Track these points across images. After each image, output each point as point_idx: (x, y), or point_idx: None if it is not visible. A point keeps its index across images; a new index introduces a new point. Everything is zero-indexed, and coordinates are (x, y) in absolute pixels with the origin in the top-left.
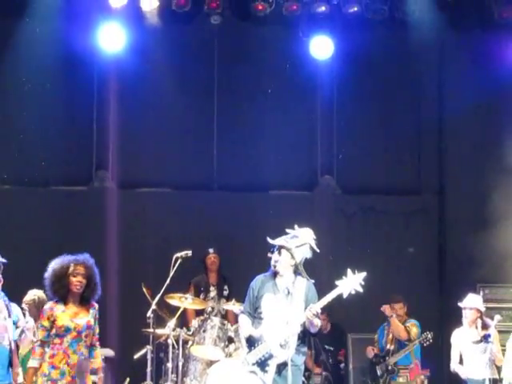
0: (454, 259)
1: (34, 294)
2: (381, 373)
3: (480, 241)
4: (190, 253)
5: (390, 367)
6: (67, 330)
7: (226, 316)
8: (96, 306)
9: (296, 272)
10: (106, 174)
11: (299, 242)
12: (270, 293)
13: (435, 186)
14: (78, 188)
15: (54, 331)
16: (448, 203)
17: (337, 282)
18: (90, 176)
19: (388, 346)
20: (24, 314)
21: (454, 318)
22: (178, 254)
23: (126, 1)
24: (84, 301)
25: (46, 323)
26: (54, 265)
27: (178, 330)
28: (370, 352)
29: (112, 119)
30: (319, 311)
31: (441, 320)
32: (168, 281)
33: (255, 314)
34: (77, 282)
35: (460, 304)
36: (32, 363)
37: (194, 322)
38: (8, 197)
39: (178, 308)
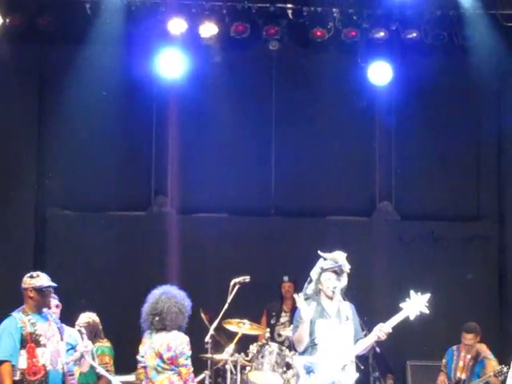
0: None
1: (87, 316)
2: None
3: None
4: (248, 278)
5: None
6: None
7: None
8: None
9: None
10: (165, 199)
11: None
12: (322, 318)
13: (495, 213)
14: (137, 213)
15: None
16: (508, 230)
17: (401, 305)
18: (148, 201)
19: (459, 375)
20: (82, 338)
21: None
22: (236, 280)
23: (186, 28)
24: None
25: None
26: (179, 299)
27: (236, 355)
28: (443, 383)
29: (171, 145)
30: (391, 331)
31: (501, 346)
32: (226, 306)
33: (309, 341)
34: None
35: None
36: None
37: (252, 348)
38: (68, 222)
39: (235, 333)
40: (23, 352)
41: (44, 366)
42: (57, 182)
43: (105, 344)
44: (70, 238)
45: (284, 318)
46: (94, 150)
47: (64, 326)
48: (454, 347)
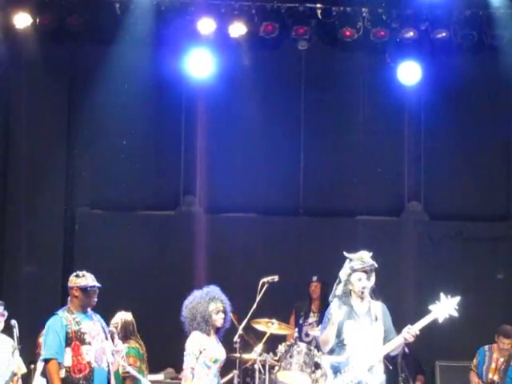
0: None
1: (119, 316)
2: None
3: None
4: (276, 278)
5: None
6: (215, 361)
7: None
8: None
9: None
10: (194, 198)
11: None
12: (351, 319)
13: None
14: (166, 213)
15: (202, 361)
16: None
17: (430, 307)
18: (177, 201)
19: (491, 376)
20: (113, 338)
21: None
22: (265, 279)
23: (215, 27)
24: (217, 333)
25: (196, 352)
26: (197, 303)
27: (265, 355)
28: None
29: (200, 145)
30: (418, 333)
31: None
32: (254, 306)
33: (338, 342)
34: (221, 319)
35: None
36: None
37: (281, 348)
38: (97, 221)
39: (264, 333)
40: (68, 350)
41: (89, 363)
42: (86, 181)
43: (131, 345)
44: (98, 237)
45: (312, 319)
46: (124, 150)
47: None
48: (486, 347)
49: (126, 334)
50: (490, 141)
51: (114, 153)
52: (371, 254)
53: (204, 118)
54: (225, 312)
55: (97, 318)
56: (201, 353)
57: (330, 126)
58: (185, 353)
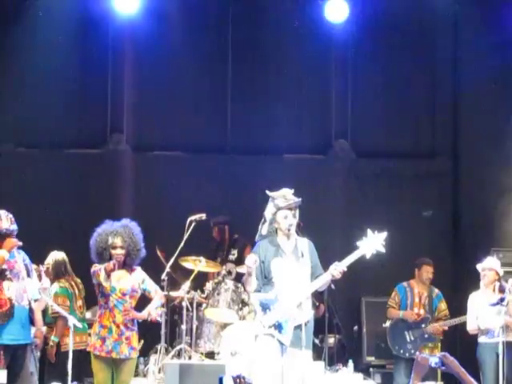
0: (468, 223)
1: (51, 256)
2: (413, 338)
3: (494, 205)
4: (204, 216)
5: (426, 335)
6: (112, 290)
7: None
8: (138, 268)
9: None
10: (121, 136)
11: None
12: (278, 257)
13: (450, 150)
14: (93, 151)
15: (101, 291)
16: (462, 167)
17: (358, 243)
18: (104, 139)
19: (417, 310)
20: (40, 275)
21: (467, 281)
22: (192, 217)
23: None
24: (126, 265)
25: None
26: (97, 235)
27: (193, 292)
28: (413, 316)
29: (127, 82)
30: (346, 269)
31: (454, 283)
32: (182, 244)
33: (266, 281)
34: (116, 254)
35: (478, 266)
36: None
37: (208, 285)
38: (22, 159)
39: (192, 271)
40: None
41: (9, 299)
42: (9, 118)
43: (61, 285)
44: (24, 175)
45: (220, 257)
46: (49, 87)
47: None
48: (405, 284)
49: (57, 274)
50: (416, 79)
51: (39, 89)
52: (293, 190)
53: (131, 55)
54: (123, 248)
55: (20, 255)
56: (99, 284)
57: (257, 64)
58: None
